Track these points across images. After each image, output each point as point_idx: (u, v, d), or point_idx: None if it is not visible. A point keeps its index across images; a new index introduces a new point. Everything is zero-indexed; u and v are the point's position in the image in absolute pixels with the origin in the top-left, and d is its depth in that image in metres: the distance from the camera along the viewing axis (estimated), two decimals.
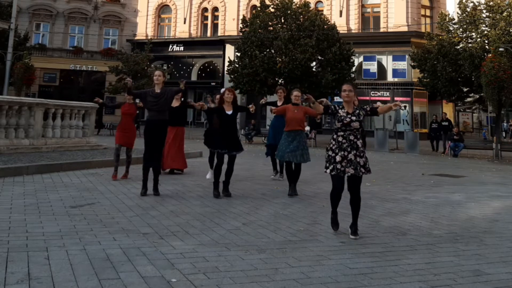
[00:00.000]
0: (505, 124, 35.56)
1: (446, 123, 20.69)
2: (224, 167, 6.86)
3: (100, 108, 13.99)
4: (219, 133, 6.95)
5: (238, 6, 33.05)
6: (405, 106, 28.49)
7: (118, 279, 3.33)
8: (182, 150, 9.32)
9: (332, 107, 5.09)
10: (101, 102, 9.11)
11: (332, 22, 25.71)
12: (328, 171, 4.93)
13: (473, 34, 21.10)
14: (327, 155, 4.99)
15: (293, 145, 7.16)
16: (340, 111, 5.01)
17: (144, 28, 35.09)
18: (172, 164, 9.11)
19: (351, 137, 4.92)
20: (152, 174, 6.83)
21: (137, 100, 8.73)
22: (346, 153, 4.87)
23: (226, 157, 6.92)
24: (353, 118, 4.95)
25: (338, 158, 4.86)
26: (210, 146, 7.90)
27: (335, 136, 5.00)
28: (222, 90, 7.47)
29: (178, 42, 33.89)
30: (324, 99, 5.40)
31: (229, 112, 6.95)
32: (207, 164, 8.92)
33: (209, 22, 34.67)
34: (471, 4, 21.49)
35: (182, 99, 9.33)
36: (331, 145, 4.98)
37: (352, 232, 4.87)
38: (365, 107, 5.25)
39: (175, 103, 9.18)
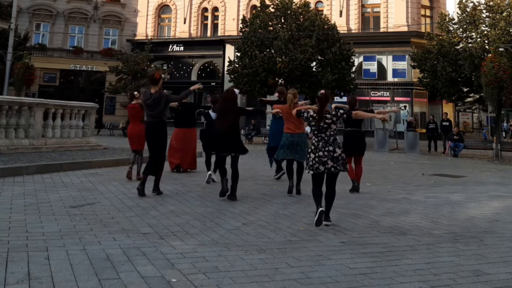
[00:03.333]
0: (505, 124, 35.58)
1: (447, 123, 20.69)
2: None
3: (100, 108, 13.97)
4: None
5: (238, 6, 33.02)
6: (405, 106, 28.48)
7: (118, 279, 3.33)
8: (195, 153, 9.69)
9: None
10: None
11: (332, 22, 25.66)
12: None
13: (473, 34, 21.10)
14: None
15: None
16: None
17: (144, 28, 35.06)
18: (188, 166, 9.51)
19: None
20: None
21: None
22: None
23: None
24: None
25: None
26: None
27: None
28: (236, 91, 7.19)
29: (178, 42, 33.85)
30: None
31: None
32: (206, 164, 8.74)
33: (209, 22, 34.65)
34: (471, 4, 21.49)
35: (180, 107, 8.91)
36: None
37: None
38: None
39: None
